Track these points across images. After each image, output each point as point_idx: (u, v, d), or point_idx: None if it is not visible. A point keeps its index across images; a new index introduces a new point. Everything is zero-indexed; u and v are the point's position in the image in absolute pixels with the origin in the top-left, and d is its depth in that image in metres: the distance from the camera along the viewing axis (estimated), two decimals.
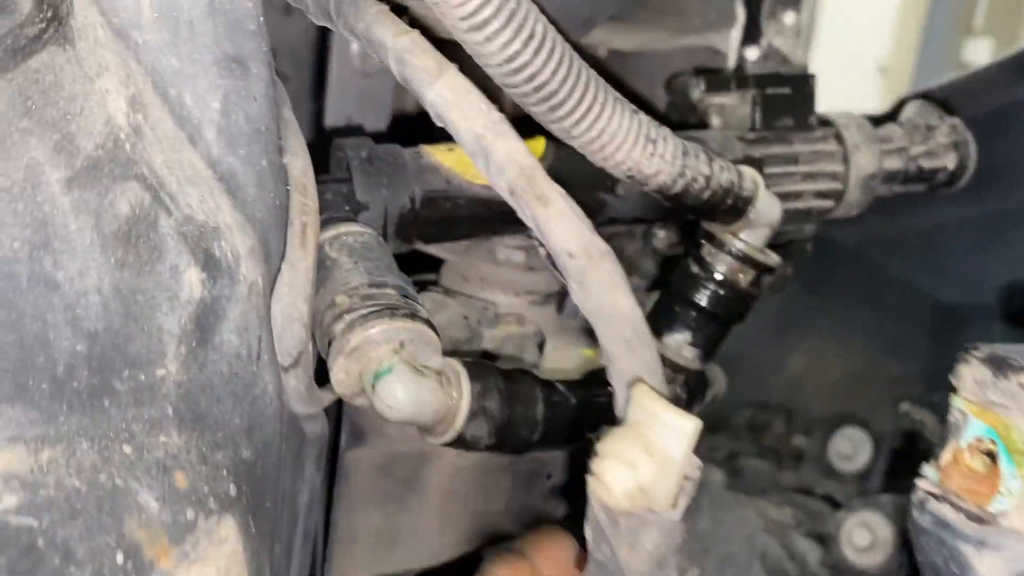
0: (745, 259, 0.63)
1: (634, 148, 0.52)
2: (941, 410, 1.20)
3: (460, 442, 0.52)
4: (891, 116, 0.84)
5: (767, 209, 0.63)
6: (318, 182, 0.60)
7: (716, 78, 0.74)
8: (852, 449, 1.10)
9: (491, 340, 0.66)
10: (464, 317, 0.63)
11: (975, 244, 1.29)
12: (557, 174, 0.58)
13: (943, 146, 0.78)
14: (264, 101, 0.47)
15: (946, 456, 0.52)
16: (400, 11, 0.52)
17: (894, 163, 0.76)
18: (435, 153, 0.61)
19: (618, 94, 0.54)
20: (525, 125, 0.52)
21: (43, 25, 0.39)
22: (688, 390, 0.66)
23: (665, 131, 0.56)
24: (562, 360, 0.71)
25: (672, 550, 0.42)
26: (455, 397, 0.50)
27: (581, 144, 0.52)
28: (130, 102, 0.42)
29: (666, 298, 0.66)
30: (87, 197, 0.39)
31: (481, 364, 0.53)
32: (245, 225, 0.46)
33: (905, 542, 0.97)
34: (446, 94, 0.46)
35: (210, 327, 0.44)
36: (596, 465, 0.41)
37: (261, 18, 0.46)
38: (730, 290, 0.64)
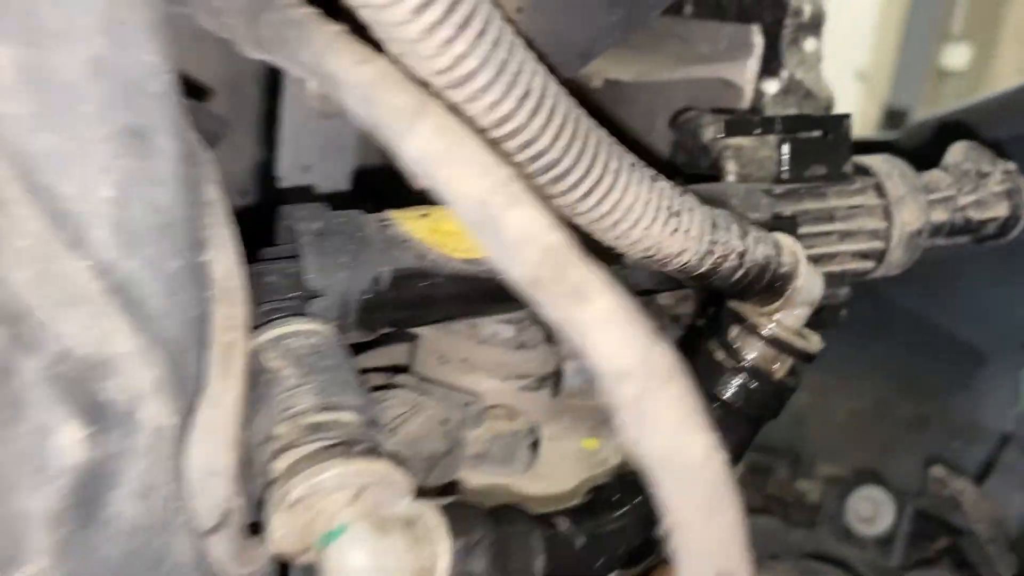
0: (781, 345, 0.53)
1: (653, 224, 0.41)
2: (975, 472, 1.10)
3: None
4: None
5: (808, 286, 0.52)
6: (260, 260, 0.48)
7: (737, 122, 0.63)
8: (873, 511, 1.00)
9: (476, 443, 0.55)
10: (441, 422, 0.52)
11: (997, 276, 1.20)
12: None
13: (995, 195, 0.67)
14: (174, 183, 0.35)
15: None
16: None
17: (940, 215, 0.66)
18: (405, 221, 0.49)
19: (634, 157, 0.43)
20: None
21: None
22: None
23: (690, 200, 0.45)
24: (559, 456, 0.60)
25: None
26: (430, 558, 0.39)
27: (589, 221, 0.42)
28: None
29: None
30: None
31: (463, 509, 0.42)
32: (148, 351, 0.34)
33: None
34: (432, 144, 0.32)
35: (96, 499, 0.32)
36: None
37: (168, 74, 0.34)
38: (764, 382, 0.53)
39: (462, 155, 0.32)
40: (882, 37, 5.31)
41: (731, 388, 0.53)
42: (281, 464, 0.38)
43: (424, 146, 0.32)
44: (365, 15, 0.34)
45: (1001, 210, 0.68)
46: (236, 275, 0.38)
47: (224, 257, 0.38)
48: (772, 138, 0.71)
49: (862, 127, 5.62)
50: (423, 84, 0.34)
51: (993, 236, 0.70)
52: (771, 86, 0.70)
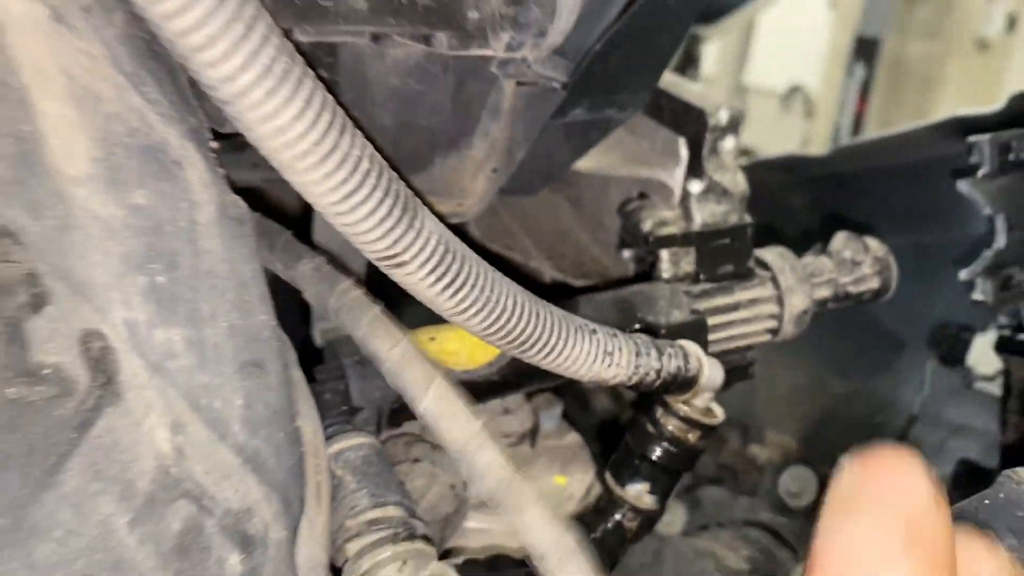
0: (691, 422, 0.73)
1: (594, 364, 0.61)
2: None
3: None
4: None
5: (711, 380, 0.72)
6: (316, 383, 0.68)
7: (665, 238, 0.82)
8: (800, 488, 1.22)
9: (475, 497, 0.75)
10: (451, 487, 0.72)
11: (910, 276, 1.40)
12: (517, 367, 0.67)
13: (868, 275, 0.87)
14: (279, 388, 0.55)
15: None
16: None
17: (824, 292, 0.86)
18: (420, 344, 0.69)
19: (579, 321, 0.62)
20: None
21: (99, 393, 0.46)
22: (646, 522, 0.77)
23: (620, 340, 0.64)
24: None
25: None
26: None
27: (549, 367, 0.61)
28: (171, 427, 0.50)
29: (626, 452, 0.76)
30: (148, 529, 0.48)
31: (470, 564, 0.63)
32: (271, 495, 0.54)
33: None
34: (433, 408, 0.55)
35: None
36: None
37: (274, 323, 0.54)
38: (680, 447, 0.74)
39: (451, 414, 0.54)
40: None
41: (657, 451, 0.74)
42: (351, 548, 0.59)
43: (429, 409, 0.53)
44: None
45: (874, 283, 0.88)
46: (319, 435, 0.58)
47: (309, 423, 0.58)
48: (696, 223, 0.91)
49: (834, 57, 5.71)
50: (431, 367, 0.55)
51: (870, 300, 0.90)
52: (695, 187, 0.89)
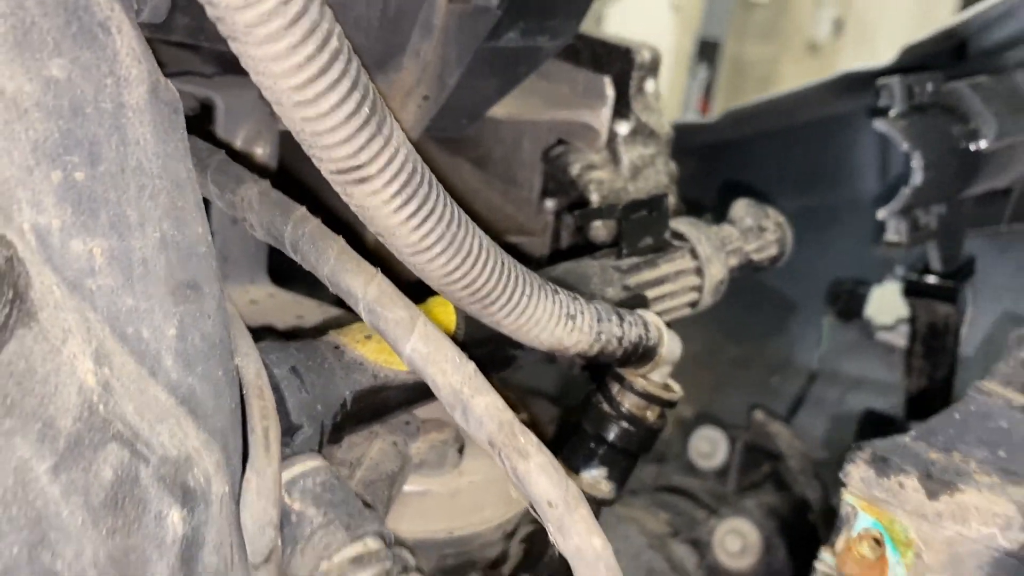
0: (651, 397, 0.68)
1: (556, 327, 0.55)
2: (790, 404, 1.33)
3: None
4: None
5: (671, 351, 0.68)
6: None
7: (589, 212, 0.78)
8: (710, 448, 1.21)
9: (417, 453, 0.69)
10: (393, 444, 0.65)
11: (802, 238, 1.42)
12: (472, 336, 0.60)
13: (770, 241, 0.86)
14: (217, 316, 0.47)
15: (840, 544, 0.60)
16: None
17: (733, 260, 0.84)
18: (356, 346, 0.59)
19: (540, 279, 0.56)
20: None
21: (7, 310, 0.37)
22: (598, 511, 0.71)
23: (581, 304, 0.59)
24: (478, 454, 0.75)
25: None
26: None
27: (510, 330, 0.55)
28: (95, 358, 0.41)
29: (581, 436, 0.70)
30: (73, 477, 0.39)
31: None
32: (210, 442, 0.46)
33: (771, 545, 1.09)
34: (421, 348, 0.47)
35: (193, 557, 0.44)
36: None
37: (210, 238, 0.46)
38: (639, 426, 0.69)
39: (441, 355, 0.47)
40: None
41: (614, 432, 0.68)
42: None
43: (416, 350, 0.47)
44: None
45: (773, 250, 0.87)
46: (262, 374, 0.50)
47: (251, 362, 0.50)
48: (622, 169, 0.88)
49: (678, 59, 5.92)
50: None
51: (768, 267, 0.89)
52: (622, 128, 0.86)
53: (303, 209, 0.50)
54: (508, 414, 0.47)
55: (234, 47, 0.38)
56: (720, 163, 1.47)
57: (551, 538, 0.47)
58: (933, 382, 1.07)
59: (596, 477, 0.68)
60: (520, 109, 0.92)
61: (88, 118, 0.39)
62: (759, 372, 1.45)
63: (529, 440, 0.47)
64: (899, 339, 1.16)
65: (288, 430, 0.55)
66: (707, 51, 5.71)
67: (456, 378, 0.47)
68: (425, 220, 0.46)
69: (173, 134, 0.42)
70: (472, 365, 0.48)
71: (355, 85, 0.40)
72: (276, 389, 0.54)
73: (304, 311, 0.85)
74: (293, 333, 0.80)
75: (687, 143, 1.52)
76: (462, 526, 0.71)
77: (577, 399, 0.74)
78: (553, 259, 0.93)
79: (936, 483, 0.56)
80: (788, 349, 1.41)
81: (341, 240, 0.49)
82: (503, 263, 0.51)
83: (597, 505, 0.69)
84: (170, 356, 0.45)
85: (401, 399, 0.61)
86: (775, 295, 1.47)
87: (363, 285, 0.47)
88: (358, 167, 0.42)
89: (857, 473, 0.60)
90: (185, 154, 0.43)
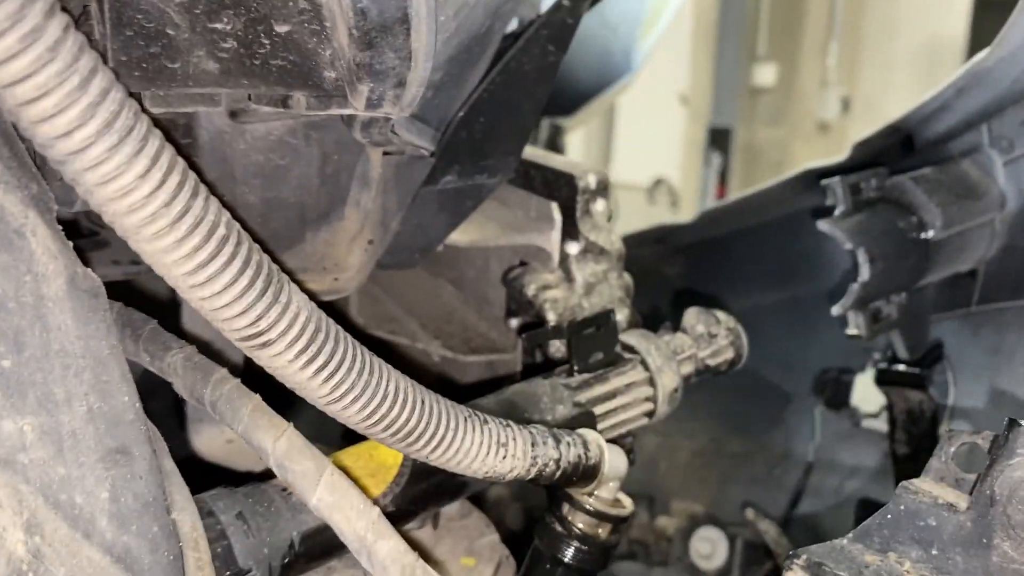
0: (601, 515, 0.69)
1: (488, 457, 0.58)
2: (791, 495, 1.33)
3: None
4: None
5: (614, 467, 0.69)
6: None
7: (538, 334, 0.82)
8: (711, 548, 1.20)
9: None
10: None
11: (788, 328, 1.44)
12: (422, 467, 0.63)
13: (724, 346, 0.89)
14: (149, 476, 0.50)
15: None
16: None
17: (687, 368, 0.86)
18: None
19: (467, 411, 0.58)
20: None
21: None
22: None
23: (513, 430, 0.61)
24: None
25: None
26: None
27: (440, 463, 0.58)
28: (26, 528, 0.45)
29: (536, 558, 0.71)
30: None
31: None
32: None
33: None
34: (327, 498, 0.51)
35: None
36: None
37: (138, 404, 0.50)
38: (592, 545, 0.70)
39: (347, 503, 0.50)
40: (698, 63, 5.75)
41: (568, 552, 0.69)
42: None
43: (323, 500, 0.50)
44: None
45: (729, 354, 0.90)
46: (198, 526, 0.53)
47: (187, 515, 0.53)
48: (576, 288, 0.91)
49: (690, 148, 6.02)
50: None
51: (726, 370, 0.91)
52: (572, 248, 0.90)
53: (224, 371, 0.54)
54: (410, 556, 0.49)
55: (131, 245, 0.42)
56: (704, 261, 1.51)
57: None
58: (920, 465, 1.07)
59: None
60: (482, 234, 0.97)
61: (11, 312, 0.44)
62: (761, 465, 1.45)
63: None
64: (884, 426, 1.17)
65: (237, 574, 0.57)
66: (719, 139, 5.82)
67: (360, 524, 0.50)
68: (334, 373, 0.50)
69: (94, 316, 0.47)
70: (376, 511, 0.50)
71: (247, 263, 0.44)
72: (223, 535, 0.57)
73: None
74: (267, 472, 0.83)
75: (674, 242, 1.56)
76: None
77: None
78: (525, 375, 0.96)
79: None
80: (786, 441, 1.41)
81: (257, 398, 0.53)
82: (423, 401, 0.54)
83: None
84: (104, 517, 0.48)
85: None
86: (772, 387, 1.48)
87: (272, 440, 0.51)
88: (260, 334, 0.46)
89: None
90: (107, 332, 0.48)
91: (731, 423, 1.53)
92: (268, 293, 0.45)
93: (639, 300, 0.95)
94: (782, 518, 1.23)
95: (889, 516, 0.61)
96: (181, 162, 0.42)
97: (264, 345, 0.47)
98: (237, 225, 0.44)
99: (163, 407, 0.81)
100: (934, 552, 0.59)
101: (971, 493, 0.60)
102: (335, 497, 0.51)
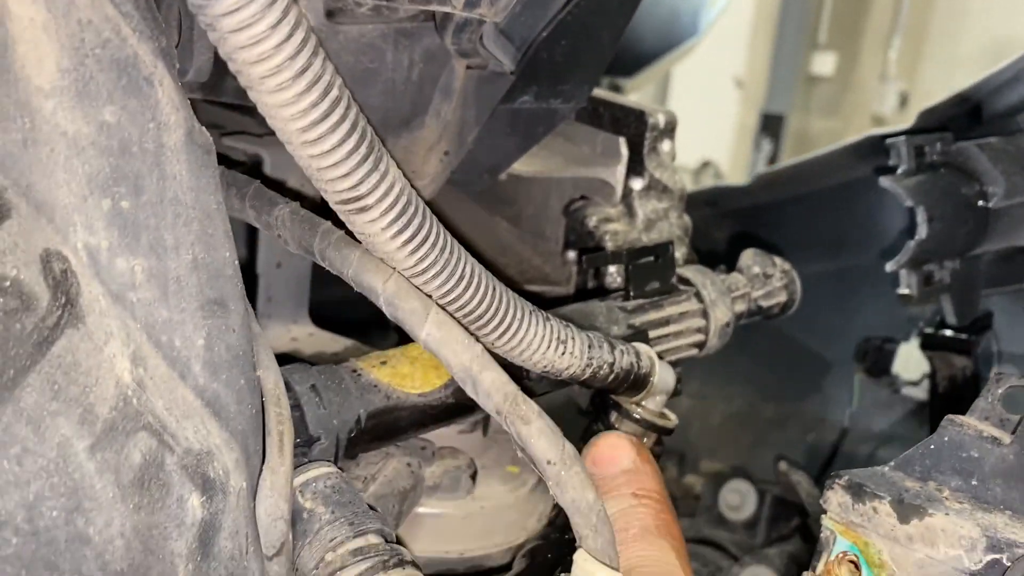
0: (648, 425, 0.73)
1: (548, 350, 0.61)
2: (824, 460, 1.35)
3: None
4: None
5: (663, 380, 0.72)
6: None
7: (596, 256, 0.84)
8: (740, 500, 1.23)
9: (431, 477, 0.74)
10: (407, 464, 0.71)
11: (833, 298, 1.45)
12: None
13: (777, 288, 0.91)
14: (241, 330, 0.54)
15: (820, 567, 0.63)
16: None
17: (740, 307, 0.88)
18: (371, 369, 0.65)
19: (532, 306, 0.61)
20: None
21: (60, 312, 0.45)
22: None
23: (572, 331, 0.64)
24: (491, 479, 0.80)
25: None
26: None
27: (503, 351, 0.61)
28: (132, 359, 0.48)
29: None
30: (107, 457, 0.46)
31: None
32: (231, 441, 0.53)
33: None
34: (435, 333, 0.55)
35: (210, 540, 0.51)
36: None
37: (236, 262, 0.53)
38: None
39: (453, 338, 0.55)
40: (756, 48, 5.69)
41: None
42: None
43: (431, 335, 0.54)
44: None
45: (782, 297, 0.92)
46: (280, 384, 0.57)
47: (271, 374, 0.57)
48: (639, 223, 0.93)
49: (742, 132, 5.96)
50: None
51: (778, 314, 0.93)
52: (636, 184, 0.92)
53: (328, 223, 0.58)
54: (512, 386, 0.54)
55: (251, 96, 0.45)
56: (756, 225, 1.52)
57: (550, 490, 0.54)
58: None
59: None
60: (546, 167, 0.99)
61: (134, 156, 0.47)
62: (795, 430, 1.47)
63: (530, 407, 0.54)
64: (924, 394, 1.18)
65: (307, 441, 0.61)
66: (771, 125, 5.76)
67: (466, 356, 0.55)
68: (420, 246, 0.53)
69: (205, 171, 0.50)
70: (480, 346, 0.55)
71: (354, 128, 0.47)
72: (296, 403, 0.61)
73: (340, 349, 0.92)
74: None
75: (726, 206, 1.57)
76: (473, 548, 0.76)
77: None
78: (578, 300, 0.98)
79: (907, 508, 0.60)
80: (823, 407, 1.43)
81: (362, 247, 0.56)
82: (494, 288, 0.57)
83: None
84: (198, 363, 0.52)
85: (412, 420, 0.66)
86: (812, 354, 1.50)
87: (382, 281, 0.55)
88: (358, 198, 0.49)
89: (835, 499, 0.64)
90: (216, 189, 0.51)
91: (768, 389, 1.54)
92: (370, 159, 0.48)
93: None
94: (813, 480, 1.25)
95: (932, 446, 0.63)
96: (304, 20, 0.44)
97: (361, 210, 0.50)
98: (348, 91, 0.47)
99: None
100: (974, 482, 0.61)
101: (1014, 432, 0.62)
102: (442, 332, 0.55)
